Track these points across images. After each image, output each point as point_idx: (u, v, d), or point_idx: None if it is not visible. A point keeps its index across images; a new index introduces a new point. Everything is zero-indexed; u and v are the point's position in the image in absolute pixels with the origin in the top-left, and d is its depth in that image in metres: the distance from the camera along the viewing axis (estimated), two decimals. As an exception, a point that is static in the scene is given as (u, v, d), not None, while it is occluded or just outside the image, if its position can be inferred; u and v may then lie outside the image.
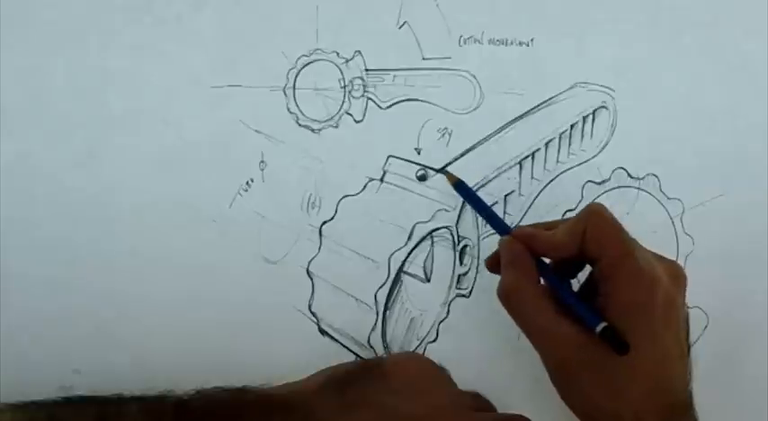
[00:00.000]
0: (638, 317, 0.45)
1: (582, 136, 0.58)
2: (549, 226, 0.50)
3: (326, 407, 0.41)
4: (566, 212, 0.57)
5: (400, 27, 0.52)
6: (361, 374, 0.44)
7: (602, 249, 0.47)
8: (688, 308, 0.50)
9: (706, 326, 0.63)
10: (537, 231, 0.49)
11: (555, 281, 0.49)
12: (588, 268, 0.49)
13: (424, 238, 0.54)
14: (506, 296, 0.47)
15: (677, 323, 0.47)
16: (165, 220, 0.49)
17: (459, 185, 0.53)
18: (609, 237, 0.47)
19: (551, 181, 0.58)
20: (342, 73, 0.52)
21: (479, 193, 0.55)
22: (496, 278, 0.56)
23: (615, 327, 0.44)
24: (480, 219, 0.55)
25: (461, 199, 0.55)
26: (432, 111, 0.54)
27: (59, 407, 0.37)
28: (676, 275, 0.48)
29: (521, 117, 0.56)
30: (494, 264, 0.51)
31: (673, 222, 0.61)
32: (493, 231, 0.55)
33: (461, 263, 0.56)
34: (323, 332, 0.53)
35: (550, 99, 0.57)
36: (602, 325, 0.45)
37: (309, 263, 0.52)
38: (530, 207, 0.57)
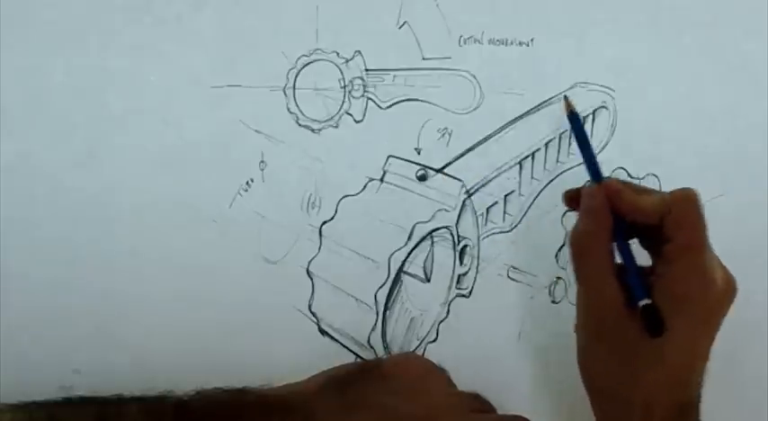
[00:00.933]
0: (683, 308, 0.46)
1: (582, 136, 0.58)
2: (636, 188, 0.50)
3: (326, 407, 0.41)
4: (566, 212, 0.57)
5: (400, 27, 0.52)
6: (361, 375, 0.44)
7: (679, 232, 0.47)
8: None
9: (706, 326, 0.63)
10: (626, 189, 0.49)
11: (622, 243, 0.49)
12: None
13: (424, 238, 0.54)
14: (578, 241, 0.48)
15: (714, 330, 0.47)
16: (165, 220, 0.49)
17: (573, 117, 0.52)
18: (690, 224, 0.47)
19: (551, 181, 0.57)
20: (342, 73, 0.52)
21: (481, 193, 0.55)
22: (496, 279, 0.56)
23: (658, 309, 0.45)
24: (480, 219, 0.55)
25: (461, 199, 0.55)
26: (432, 111, 0.54)
27: (59, 408, 0.37)
28: (731, 287, 0.48)
29: (521, 117, 0.56)
30: (572, 199, 0.51)
31: (673, 222, 0.61)
32: (493, 231, 0.56)
33: (461, 263, 0.56)
34: (323, 332, 0.53)
35: (550, 99, 0.57)
36: (647, 302, 0.46)
37: (309, 263, 0.52)
38: (530, 207, 0.57)
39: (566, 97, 0.53)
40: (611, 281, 0.47)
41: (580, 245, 0.48)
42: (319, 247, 0.52)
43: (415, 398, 0.43)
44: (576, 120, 0.52)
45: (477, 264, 0.56)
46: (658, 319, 0.45)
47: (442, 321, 0.56)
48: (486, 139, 0.55)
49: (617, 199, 0.48)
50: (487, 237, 0.56)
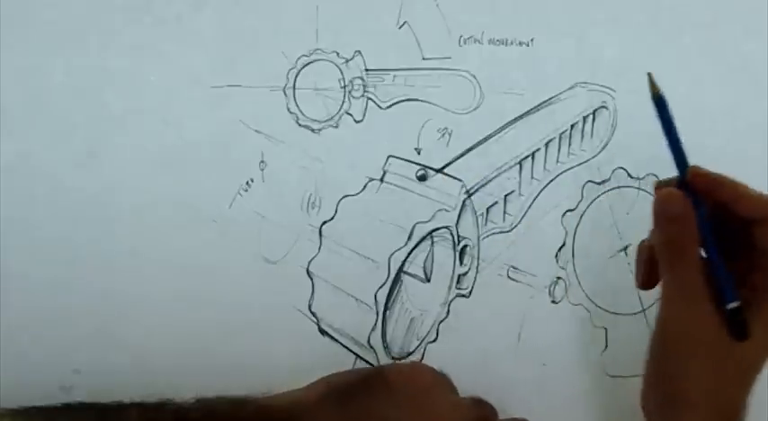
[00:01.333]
0: None
1: (582, 136, 0.58)
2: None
3: (328, 419, 0.41)
4: (566, 212, 0.57)
5: (400, 27, 0.52)
6: (363, 386, 0.44)
7: None
8: None
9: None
10: (723, 177, 0.46)
11: (711, 243, 0.46)
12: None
13: (424, 238, 0.54)
14: (668, 251, 0.45)
15: None
16: (165, 220, 0.49)
17: (659, 100, 0.47)
18: None
19: (551, 181, 0.57)
20: (342, 73, 0.52)
21: (481, 193, 0.55)
22: (496, 279, 0.56)
23: (743, 314, 0.44)
24: (480, 219, 0.55)
25: (461, 199, 0.55)
26: (432, 111, 0.54)
27: (59, 413, 0.37)
28: None
29: (521, 117, 0.56)
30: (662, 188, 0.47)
31: (672, 222, 0.61)
32: (493, 231, 0.56)
33: (461, 263, 0.56)
34: (323, 332, 0.53)
35: (550, 99, 0.56)
36: (737, 304, 0.44)
37: (309, 263, 0.52)
38: (530, 207, 0.57)
39: (650, 75, 0.47)
40: (705, 289, 0.44)
41: (672, 254, 0.45)
42: (319, 247, 0.52)
43: (419, 411, 0.43)
44: (662, 105, 0.47)
45: (477, 264, 0.56)
46: (743, 324, 0.44)
47: (442, 321, 0.56)
48: (486, 139, 0.55)
49: (718, 188, 0.45)
50: (487, 237, 0.56)
